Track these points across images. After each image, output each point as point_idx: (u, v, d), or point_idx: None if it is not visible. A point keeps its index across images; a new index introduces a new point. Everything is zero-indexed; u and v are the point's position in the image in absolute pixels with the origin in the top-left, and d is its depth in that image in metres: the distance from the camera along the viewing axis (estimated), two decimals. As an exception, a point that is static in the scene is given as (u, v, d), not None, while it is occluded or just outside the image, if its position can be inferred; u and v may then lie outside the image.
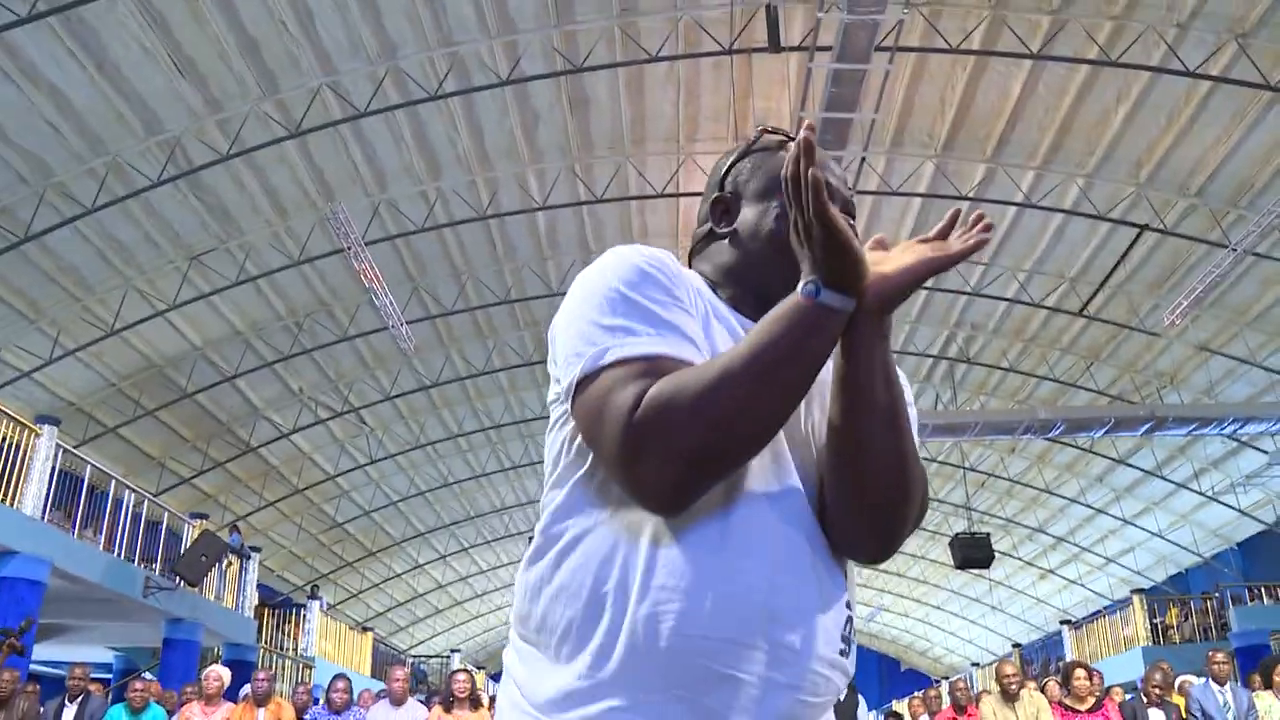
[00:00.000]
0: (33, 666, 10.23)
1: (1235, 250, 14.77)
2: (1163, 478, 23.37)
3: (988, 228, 1.17)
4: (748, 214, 1.37)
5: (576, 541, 1.19)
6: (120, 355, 17.13)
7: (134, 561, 14.03)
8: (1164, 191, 15.47)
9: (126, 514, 14.05)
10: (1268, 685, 8.46)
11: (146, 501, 14.88)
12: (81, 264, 15.03)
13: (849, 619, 1.25)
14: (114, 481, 13.97)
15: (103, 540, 13.44)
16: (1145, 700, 8.43)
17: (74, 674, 8.88)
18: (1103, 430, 18.69)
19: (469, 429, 23.88)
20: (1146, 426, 18.25)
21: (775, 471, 1.19)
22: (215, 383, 18.85)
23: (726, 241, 1.38)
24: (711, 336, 1.23)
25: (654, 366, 1.11)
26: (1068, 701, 8.19)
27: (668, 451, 1.06)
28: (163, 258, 15.59)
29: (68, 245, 14.45)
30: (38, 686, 9.08)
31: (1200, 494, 23.27)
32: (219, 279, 16.21)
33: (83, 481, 13.44)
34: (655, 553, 1.12)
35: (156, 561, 14.77)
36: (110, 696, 9.60)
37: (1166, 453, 22.74)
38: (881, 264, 1.16)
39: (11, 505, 11.40)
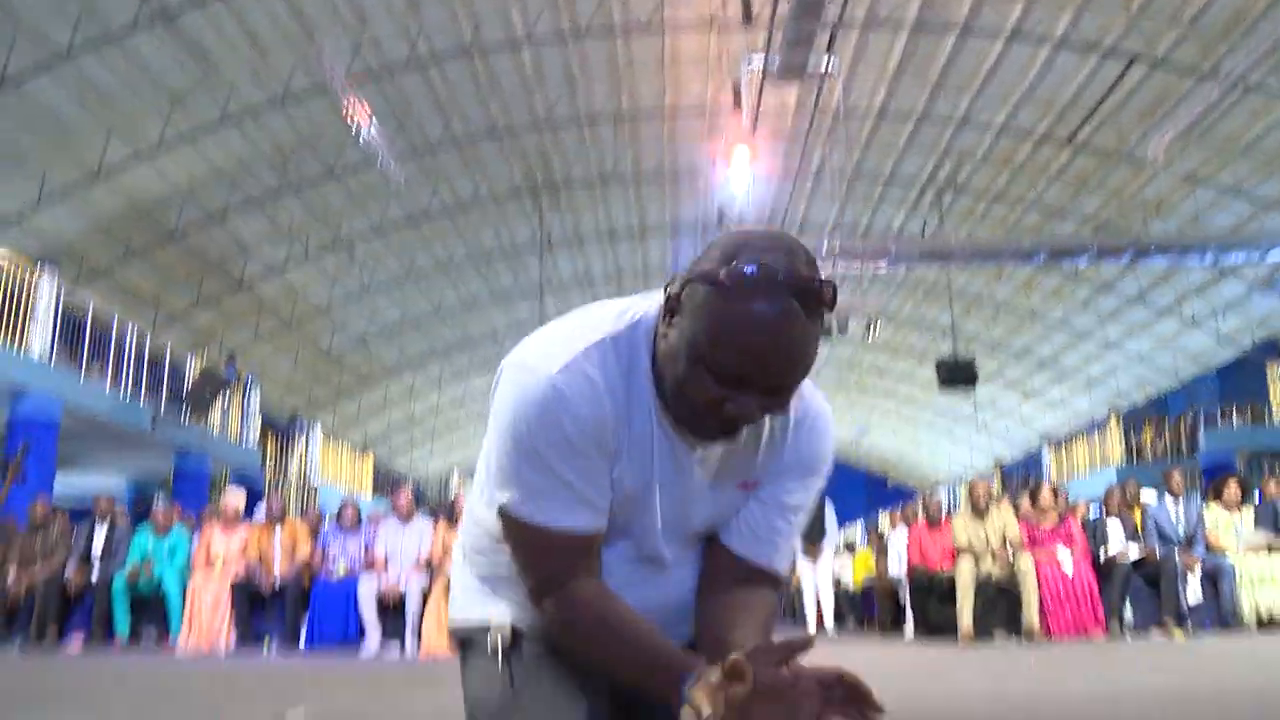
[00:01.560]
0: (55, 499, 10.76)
1: (1226, 81, 14.69)
2: (1146, 303, 23.83)
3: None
4: (676, 335, 1.37)
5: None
6: (108, 199, 17.08)
7: (141, 397, 14.48)
8: (1156, 21, 15.26)
9: (130, 352, 14.40)
10: (1216, 498, 9.00)
11: (148, 339, 15.21)
12: (61, 110, 14.85)
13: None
14: (115, 320, 14.25)
15: (109, 378, 13.82)
16: (1105, 514, 8.98)
17: (100, 502, 9.44)
18: (1086, 258, 19.00)
19: (459, 258, 24.09)
20: (1130, 255, 18.53)
21: (641, 527, 1.51)
22: (204, 223, 18.93)
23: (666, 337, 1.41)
24: (628, 465, 1.44)
25: (554, 541, 1.42)
26: (1032, 516, 8.74)
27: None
28: (143, 101, 15.41)
29: (45, 93, 14.25)
30: (65, 514, 9.64)
31: (1182, 319, 23.79)
32: (202, 120, 16.09)
33: (85, 323, 13.72)
34: None
35: (161, 395, 15.22)
36: (130, 522, 10.12)
37: (1151, 279, 23.08)
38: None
39: (19, 348, 11.71)
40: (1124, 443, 21.73)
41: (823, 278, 1.31)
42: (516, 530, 1.43)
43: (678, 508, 1.49)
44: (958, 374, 21.08)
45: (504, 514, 1.43)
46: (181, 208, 18.09)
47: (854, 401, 36.55)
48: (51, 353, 12.36)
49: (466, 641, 1.66)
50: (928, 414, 35.25)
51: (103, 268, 18.22)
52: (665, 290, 1.41)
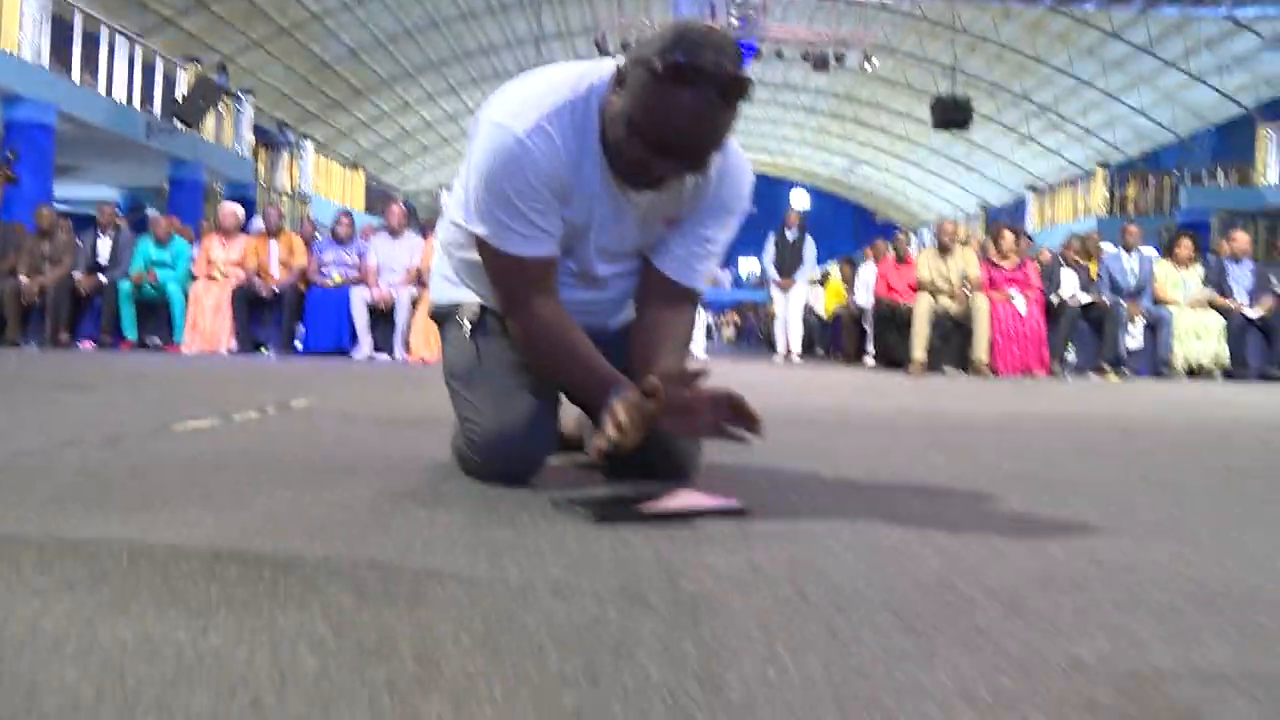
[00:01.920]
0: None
1: None
2: (1153, 54, 23.34)
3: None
4: (620, 105, 1.70)
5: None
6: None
7: (134, 105, 14.47)
8: None
9: (121, 59, 14.26)
10: (1169, 255, 9.43)
11: (140, 47, 15.01)
12: None
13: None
14: (105, 27, 14.02)
15: (101, 85, 13.77)
16: (1063, 263, 9.42)
17: (103, 210, 9.78)
18: (1097, 2, 18.58)
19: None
20: (1142, 2, 18.14)
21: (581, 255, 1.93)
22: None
23: (612, 104, 1.74)
24: (576, 205, 1.82)
25: (519, 266, 1.82)
26: (994, 258, 9.18)
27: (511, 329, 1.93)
28: None
29: None
30: (70, 221, 9.97)
31: (1187, 73, 23.38)
32: None
33: (72, 30, 13.51)
34: None
35: (155, 105, 15.19)
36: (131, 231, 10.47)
37: (1161, 29, 22.51)
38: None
39: (11, 52, 11.64)
40: (1108, 195, 21.90)
41: (742, 73, 1.64)
42: (491, 256, 1.84)
43: (613, 237, 1.92)
44: (953, 114, 21.03)
45: (480, 243, 1.85)
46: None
47: (849, 134, 36.25)
48: (42, 58, 12.30)
49: (443, 319, 2.15)
50: (921, 152, 35.05)
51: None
52: (617, 63, 1.73)
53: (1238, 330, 8.89)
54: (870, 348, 10.47)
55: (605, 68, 1.79)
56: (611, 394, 1.71)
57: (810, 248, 11.31)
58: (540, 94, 1.77)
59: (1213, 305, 9.08)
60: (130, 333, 9.42)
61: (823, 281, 14.99)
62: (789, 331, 11.49)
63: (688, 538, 1.49)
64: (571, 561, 1.32)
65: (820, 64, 22.84)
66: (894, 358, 9.49)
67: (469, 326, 2.04)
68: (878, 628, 1.06)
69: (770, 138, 38.54)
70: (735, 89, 1.64)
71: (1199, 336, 8.89)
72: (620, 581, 1.23)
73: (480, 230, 1.81)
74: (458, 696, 0.83)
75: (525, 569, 1.28)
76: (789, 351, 11.45)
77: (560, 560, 1.33)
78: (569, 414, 2.33)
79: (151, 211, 10.52)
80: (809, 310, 15.06)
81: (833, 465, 2.39)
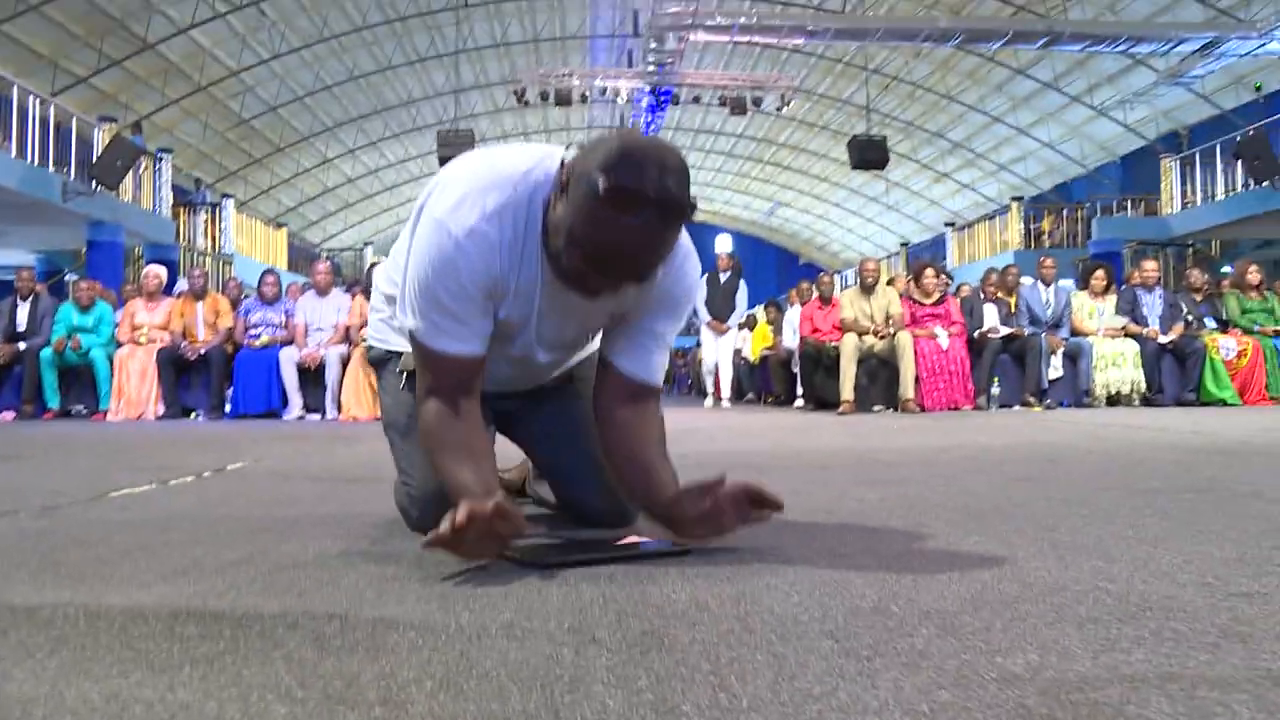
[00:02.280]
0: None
1: None
2: (1058, 90, 24.22)
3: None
4: (561, 214, 1.67)
5: None
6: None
7: (49, 167, 14.24)
8: None
9: (34, 120, 14.04)
10: (1084, 286, 9.75)
11: (52, 107, 14.80)
12: None
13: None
14: (16, 87, 13.81)
15: (14, 148, 13.54)
16: (983, 297, 9.67)
17: (21, 276, 9.56)
18: (1001, 42, 19.24)
19: (373, 21, 23.37)
20: (1044, 40, 18.82)
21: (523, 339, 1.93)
22: (103, -24, 18.07)
23: (555, 210, 1.71)
24: (514, 302, 1.82)
25: (444, 362, 1.80)
26: (916, 295, 9.39)
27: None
28: None
29: None
30: (-14, 288, 9.77)
31: (1091, 108, 24.29)
32: None
33: (-20, 89, 13.31)
34: None
35: (71, 167, 14.97)
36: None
37: (1065, 66, 23.41)
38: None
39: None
40: (1023, 229, 22.54)
41: (685, 196, 1.62)
42: (419, 350, 1.83)
43: (553, 331, 1.94)
44: (870, 153, 21.43)
45: (411, 336, 1.84)
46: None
47: (769, 177, 36.88)
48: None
49: (379, 364, 2.19)
50: (841, 193, 35.79)
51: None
52: (561, 165, 1.71)
53: (1152, 357, 9.19)
54: (800, 390, 10.60)
55: (552, 161, 1.77)
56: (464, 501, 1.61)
57: (743, 291, 11.14)
58: (482, 189, 1.75)
59: (1127, 333, 9.38)
60: (53, 401, 9.22)
61: (750, 325, 15.18)
62: (720, 375, 11.48)
63: (632, 579, 1.54)
64: (521, 605, 1.36)
65: (737, 107, 23.27)
66: (823, 398, 9.63)
67: (404, 378, 2.07)
68: (820, 653, 1.11)
69: (692, 183, 38.83)
70: (678, 212, 1.62)
71: (1117, 364, 9.17)
72: (570, 622, 1.27)
73: (410, 324, 1.80)
74: (426, 736, 0.87)
75: (477, 614, 1.31)
76: (718, 394, 11.49)
77: (510, 604, 1.37)
78: (511, 460, 2.37)
79: (72, 276, 10.33)
80: (737, 354, 15.24)
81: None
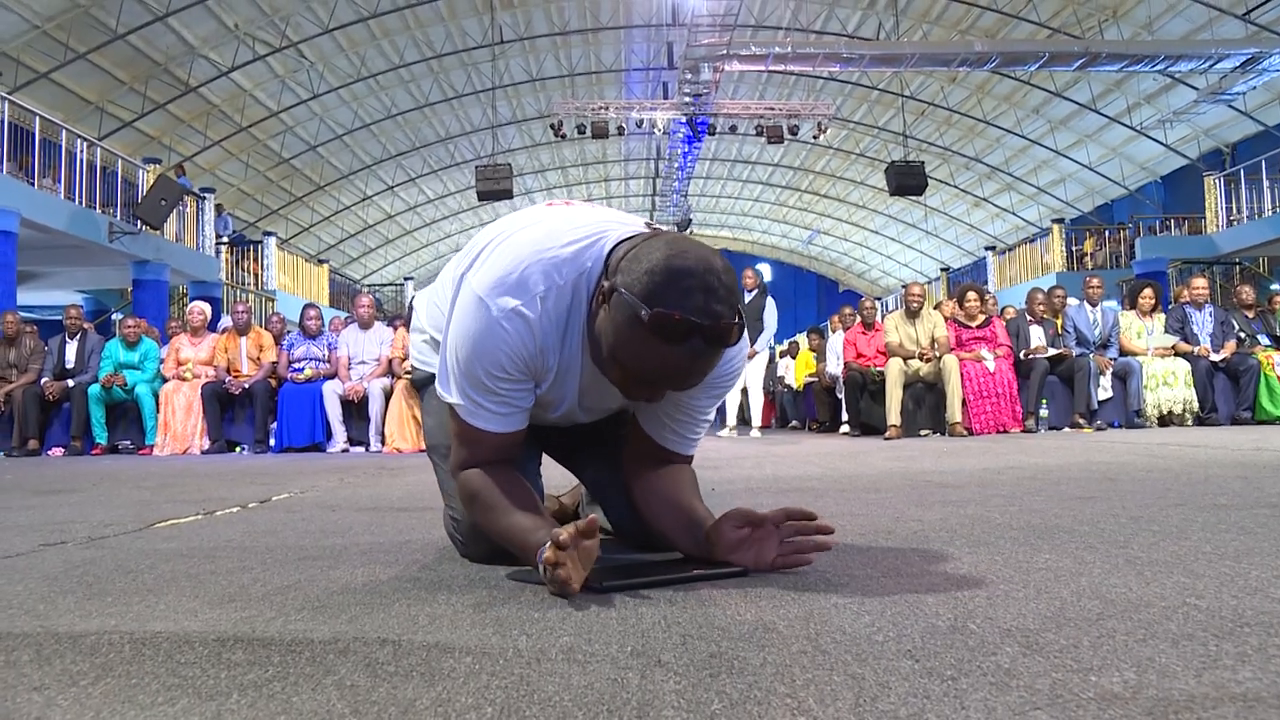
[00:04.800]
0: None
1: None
2: (1097, 111, 24.03)
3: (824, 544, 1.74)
4: (604, 326, 1.62)
5: None
6: (41, -3, 16.63)
7: (96, 208, 14.48)
8: None
9: (81, 163, 14.30)
10: (1132, 306, 9.58)
11: (99, 150, 15.06)
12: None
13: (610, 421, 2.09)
14: (65, 132, 14.08)
15: (62, 189, 13.79)
16: (1030, 319, 9.53)
17: (70, 314, 9.68)
18: (1038, 64, 19.13)
19: (410, 59, 23.68)
20: (1080, 61, 18.70)
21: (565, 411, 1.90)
22: (146, 22, 18.42)
23: (598, 318, 1.66)
24: (555, 382, 1.78)
25: (483, 438, 1.78)
26: (961, 318, 9.27)
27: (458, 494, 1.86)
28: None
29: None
30: (35, 327, 9.88)
31: (1130, 128, 24.08)
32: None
33: (32, 134, 13.56)
34: None
35: (117, 208, 15.21)
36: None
37: (1103, 86, 23.25)
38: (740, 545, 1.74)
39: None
40: (1065, 251, 22.32)
41: (733, 319, 1.54)
42: (457, 424, 1.80)
43: (593, 401, 1.90)
44: (907, 179, 21.34)
45: (451, 411, 1.81)
46: (121, 5, 17.58)
47: (807, 205, 36.83)
48: (1, 164, 12.31)
49: (421, 385, 2.16)
50: (879, 220, 35.68)
51: (41, 70, 17.80)
52: (605, 267, 1.67)
53: (1204, 375, 9.00)
54: (845, 415, 10.44)
55: (601, 244, 1.72)
56: (540, 549, 1.60)
57: (771, 310, 10.25)
58: (526, 271, 1.69)
59: (1177, 352, 9.20)
60: (101, 437, 9.30)
61: (792, 353, 15.09)
62: (750, 401, 11.07)
63: (694, 602, 1.48)
64: (580, 629, 1.31)
65: (774, 136, 23.26)
66: (869, 424, 9.51)
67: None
68: (901, 673, 1.05)
69: (730, 213, 39.09)
70: (726, 336, 1.55)
71: (1168, 383, 8.99)
72: (633, 645, 1.21)
73: (451, 400, 1.78)
74: (490, 763, 0.82)
75: (535, 639, 1.26)
76: (735, 423, 10.91)
77: (568, 628, 1.31)
78: (566, 485, 2.32)
79: (118, 315, 10.45)
80: (780, 381, 15.09)
81: (825, 525, 2.38)
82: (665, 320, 1.50)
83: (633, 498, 1.96)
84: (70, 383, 9.35)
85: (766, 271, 46.95)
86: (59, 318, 10.10)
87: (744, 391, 11.36)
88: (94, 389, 9.21)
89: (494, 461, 1.80)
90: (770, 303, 10.30)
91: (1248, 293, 10.11)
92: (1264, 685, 0.96)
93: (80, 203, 14.06)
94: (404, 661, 1.16)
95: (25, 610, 1.53)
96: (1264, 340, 9.51)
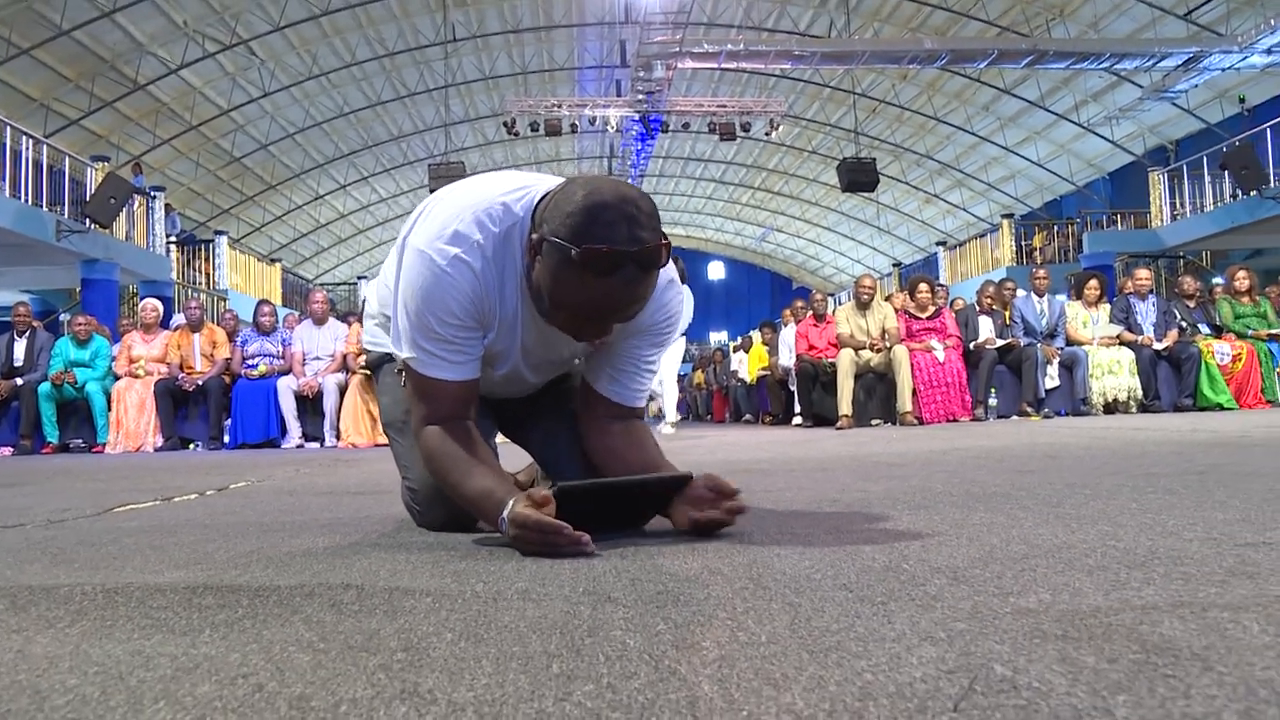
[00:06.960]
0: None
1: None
2: (1045, 108, 24.42)
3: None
4: (539, 276, 1.70)
5: None
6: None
7: (43, 206, 14.27)
8: None
9: (26, 161, 14.08)
10: (1079, 296, 9.78)
11: (45, 147, 14.84)
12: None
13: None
14: (9, 129, 13.85)
15: (6, 187, 13.57)
16: (978, 310, 9.70)
17: (18, 312, 9.53)
18: (987, 61, 19.43)
19: (362, 57, 23.53)
20: (1029, 59, 19.01)
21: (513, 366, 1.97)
22: (93, 18, 18.17)
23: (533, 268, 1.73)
24: (500, 332, 1.85)
25: (440, 390, 1.83)
26: (911, 310, 9.42)
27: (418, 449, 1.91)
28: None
29: None
30: (-19, 326, 9.74)
31: (1078, 125, 24.51)
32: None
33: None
34: None
35: (64, 206, 15.00)
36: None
37: (1051, 84, 23.62)
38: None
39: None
40: (1015, 246, 22.66)
41: (658, 240, 1.62)
42: (413, 378, 1.85)
43: (539, 356, 1.98)
44: (859, 176, 21.51)
45: (405, 366, 1.87)
46: (66, 1, 17.33)
47: (760, 203, 37.04)
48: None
49: (375, 366, 2.23)
50: (832, 217, 35.95)
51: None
52: (531, 221, 1.74)
53: (1147, 364, 9.21)
54: (798, 408, 10.55)
55: (531, 196, 1.79)
56: (505, 509, 1.66)
57: (688, 296, 9.64)
58: (462, 220, 1.77)
59: (1122, 341, 9.40)
60: (52, 435, 9.20)
61: (745, 347, 15.19)
62: (665, 392, 10.26)
63: (644, 554, 1.55)
64: (534, 576, 1.37)
65: (726, 133, 23.38)
66: (821, 415, 9.63)
67: (402, 377, 2.03)
68: (835, 601, 1.13)
69: (684, 210, 39.21)
70: (654, 258, 1.63)
71: (1113, 372, 9.19)
72: (585, 586, 1.28)
73: (404, 354, 1.83)
74: (451, 671, 0.88)
75: (491, 583, 1.32)
76: (659, 412, 10.66)
77: (523, 575, 1.38)
78: (521, 461, 2.38)
79: (65, 316, 10.33)
80: (733, 375, 15.21)
81: (773, 499, 2.46)
82: (595, 255, 1.58)
83: (592, 459, 2.02)
84: (19, 381, 9.24)
85: (719, 269, 47.16)
86: (5, 318, 9.97)
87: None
88: (44, 387, 9.11)
89: (453, 417, 1.85)
90: (687, 290, 9.95)
91: (1189, 283, 10.36)
92: (1163, 599, 1.05)
93: (26, 200, 13.85)
94: (367, 602, 1.21)
95: (-7, 574, 1.56)
96: (1205, 329, 9.75)
